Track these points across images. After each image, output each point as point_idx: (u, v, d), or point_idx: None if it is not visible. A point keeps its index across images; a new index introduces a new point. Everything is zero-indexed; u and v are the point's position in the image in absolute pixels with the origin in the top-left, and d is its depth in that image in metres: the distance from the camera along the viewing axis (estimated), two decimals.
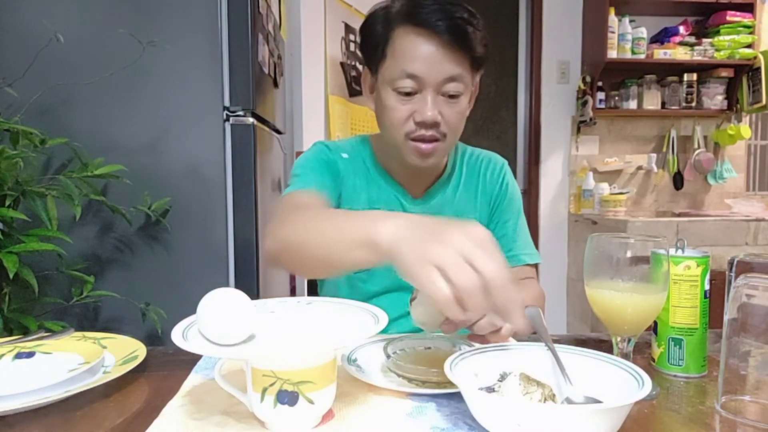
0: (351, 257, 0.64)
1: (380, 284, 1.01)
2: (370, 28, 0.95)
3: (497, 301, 0.52)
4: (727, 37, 2.97)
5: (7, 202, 1.18)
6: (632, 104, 3.09)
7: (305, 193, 0.93)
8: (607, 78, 3.08)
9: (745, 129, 3.11)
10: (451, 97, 0.91)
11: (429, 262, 0.52)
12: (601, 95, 3.08)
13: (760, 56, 2.96)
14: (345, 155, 1.05)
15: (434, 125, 0.91)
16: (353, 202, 1.03)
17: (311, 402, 0.52)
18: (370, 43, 0.96)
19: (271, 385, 0.52)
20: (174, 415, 0.57)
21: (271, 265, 0.89)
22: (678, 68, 3.07)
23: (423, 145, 0.92)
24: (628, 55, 2.98)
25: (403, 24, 0.90)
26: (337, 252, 0.66)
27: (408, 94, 0.91)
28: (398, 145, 0.95)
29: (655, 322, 0.72)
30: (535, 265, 1.09)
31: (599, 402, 0.54)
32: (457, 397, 0.59)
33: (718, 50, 3.00)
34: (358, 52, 1.05)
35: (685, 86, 3.09)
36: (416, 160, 0.95)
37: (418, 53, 0.89)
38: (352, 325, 0.64)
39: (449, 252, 0.52)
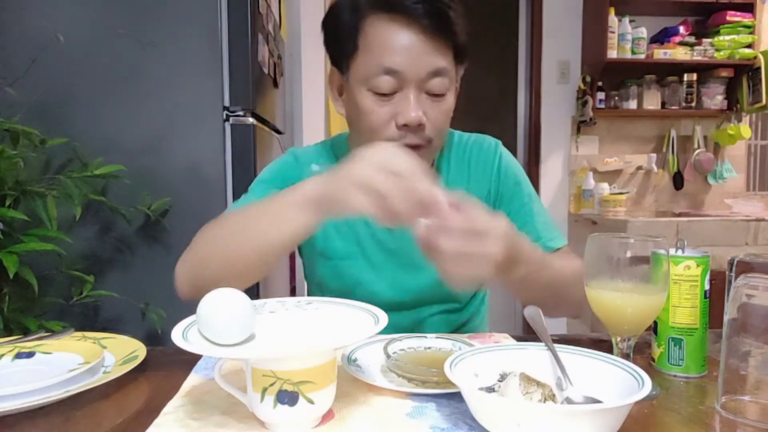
0: (288, 227, 0.67)
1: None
2: (336, 19, 0.83)
3: (419, 186, 0.59)
4: (727, 37, 2.97)
5: (7, 202, 1.18)
6: (632, 104, 3.09)
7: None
8: (607, 78, 3.07)
9: (745, 129, 3.11)
10: (436, 95, 0.81)
11: (353, 184, 0.60)
12: (601, 95, 3.08)
13: (760, 56, 2.96)
14: (316, 167, 0.95)
15: (419, 128, 0.81)
16: None
17: (311, 402, 0.52)
18: (337, 37, 0.84)
19: (271, 385, 0.52)
20: (174, 415, 0.57)
21: (188, 296, 0.81)
22: (678, 68, 3.07)
23: (407, 148, 0.83)
24: (628, 55, 2.98)
25: (375, 10, 0.79)
26: (272, 229, 0.69)
27: (387, 93, 0.80)
28: None
29: (655, 322, 0.72)
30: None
31: (599, 402, 0.54)
32: (457, 397, 0.59)
33: (718, 50, 3.00)
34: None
35: (685, 86, 3.09)
36: None
37: (397, 44, 0.77)
38: (352, 325, 0.64)
39: (364, 168, 0.60)
